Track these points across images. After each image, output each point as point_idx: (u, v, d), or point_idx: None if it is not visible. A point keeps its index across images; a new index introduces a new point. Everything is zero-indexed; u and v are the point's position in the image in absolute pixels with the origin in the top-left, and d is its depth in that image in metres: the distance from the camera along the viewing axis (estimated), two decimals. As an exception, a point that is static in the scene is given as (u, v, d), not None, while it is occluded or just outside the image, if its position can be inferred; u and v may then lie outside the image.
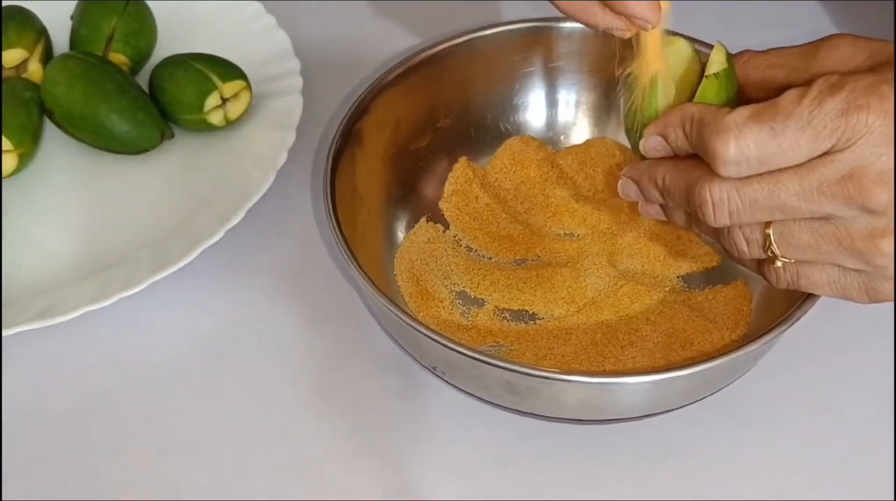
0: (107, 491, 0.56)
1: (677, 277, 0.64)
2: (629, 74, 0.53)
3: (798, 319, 0.53)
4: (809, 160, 0.45)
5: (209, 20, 0.78)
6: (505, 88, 0.69)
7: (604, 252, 0.64)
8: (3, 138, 0.67)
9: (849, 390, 0.60)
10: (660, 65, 0.52)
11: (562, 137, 0.70)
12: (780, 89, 0.48)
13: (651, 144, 0.52)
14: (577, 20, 0.52)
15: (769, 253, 0.49)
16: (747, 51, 0.53)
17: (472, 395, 0.57)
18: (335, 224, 0.57)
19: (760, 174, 0.46)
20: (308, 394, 0.60)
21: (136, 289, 0.61)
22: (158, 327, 0.63)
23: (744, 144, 0.45)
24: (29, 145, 0.69)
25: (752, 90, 0.52)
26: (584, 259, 0.64)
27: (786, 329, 0.53)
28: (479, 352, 0.52)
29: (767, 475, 0.57)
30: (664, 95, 0.52)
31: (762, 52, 0.53)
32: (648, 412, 0.56)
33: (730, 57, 0.52)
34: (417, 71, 0.66)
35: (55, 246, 0.66)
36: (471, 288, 0.63)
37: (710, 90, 0.51)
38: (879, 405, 0.60)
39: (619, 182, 0.54)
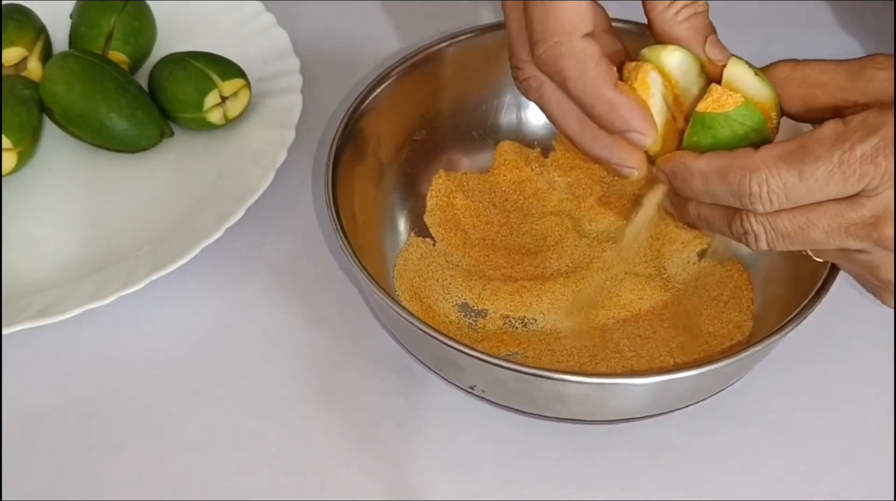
0: (106, 490, 0.56)
1: (673, 264, 0.64)
2: None
3: (801, 321, 0.54)
4: (839, 200, 0.46)
5: (209, 19, 0.78)
6: (509, 87, 0.69)
7: (597, 251, 0.64)
8: (3, 137, 0.67)
9: (848, 390, 0.60)
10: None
11: (554, 141, 0.70)
12: (823, 110, 0.49)
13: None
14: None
15: (804, 253, 0.51)
16: (782, 62, 0.50)
17: (465, 391, 0.57)
18: (338, 225, 0.57)
19: (791, 210, 0.47)
20: (308, 392, 0.60)
21: (136, 287, 0.61)
22: (158, 325, 0.63)
23: (774, 183, 0.46)
24: (28, 144, 0.69)
25: (793, 107, 0.50)
26: (579, 261, 0.64)
27: (790, 331, 0.53)
28: (498, 358, 0.52)
29: (767, 475, 0.57)
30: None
31: (800, 63, 0.50)
32: (649, 413, 0.56)
33: (760, 74, 0.49)
34: (420, 67, 0.66)
35: (55, 244, 0.66)
36: (471, 299, 0.62)
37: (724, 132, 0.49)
38: (879, 406, 0.59)
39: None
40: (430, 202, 0.67)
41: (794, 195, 0.46)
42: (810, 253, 0.51)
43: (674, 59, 0.50)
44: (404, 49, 0.67)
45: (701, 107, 0.48)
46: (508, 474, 0.57)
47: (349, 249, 0.56)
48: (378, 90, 0.64)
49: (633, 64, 0.51)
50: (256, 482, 0.56)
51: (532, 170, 0.68)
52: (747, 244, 0.49)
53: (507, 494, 0.56)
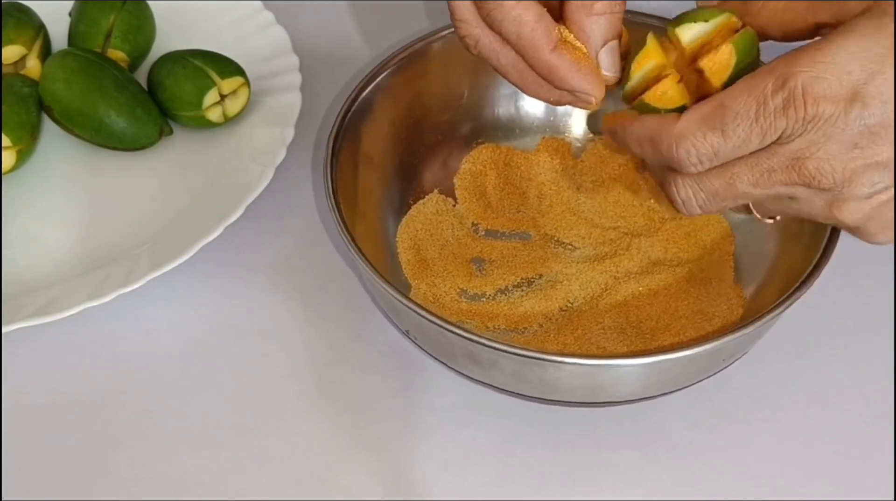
0: (106, 488, 0.56)
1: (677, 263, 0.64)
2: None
3: (787, 307, 0.54)
4: (758, 151, 0.48)
5: (207, 17, 0.78)
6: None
7: (609, 251, 0.64)
8: (2, 135, 0.67)
9: (846, 385, 0.60)
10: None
11: (569, 125, 0.70)
12: (799, 31, 0.51)
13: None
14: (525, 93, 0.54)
15: (748, 212, 0.53)
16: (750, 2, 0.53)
17: (441, 362, 0.58)
18: (333, 203, 0.57)
19: (717, 167, 0.49)
20: (307, 390, 0.60)
21: (135, 285, 0.61)
22: (157, 323, 0.63)
23: (700, 145, 0.48)
24: (27, 142, 0.69)
25: (773, 33, 0.53)
26: (588, 254, 0.64)
27: (780, 313, 0.53)
28: (445, 320, 0.53)
29: (763, 471, 0.57)
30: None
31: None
32: (640, 396, 0.56)
33: (702, 15, 0.50)
34: (424, 52, 0.66)
35: (54, 243, 0.66)
36: (471, 263, 0.64)
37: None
38: (877, 401, 0.59)
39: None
40: (464, 166, 0.68)
41: (723, 154, 0.48)
42: (756, 214, 0.52)
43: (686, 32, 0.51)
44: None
45: (648, 97, 0.51)
46: (508, 472, 0.57)
47: (344, 228, 0.56)
48: (389, 68, 0.64)
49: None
50: (256, 480, 0.56)
51: (570, 166, 0.69)
52: (679, 212, 0.52)
53: (507, 492, 0.56)
